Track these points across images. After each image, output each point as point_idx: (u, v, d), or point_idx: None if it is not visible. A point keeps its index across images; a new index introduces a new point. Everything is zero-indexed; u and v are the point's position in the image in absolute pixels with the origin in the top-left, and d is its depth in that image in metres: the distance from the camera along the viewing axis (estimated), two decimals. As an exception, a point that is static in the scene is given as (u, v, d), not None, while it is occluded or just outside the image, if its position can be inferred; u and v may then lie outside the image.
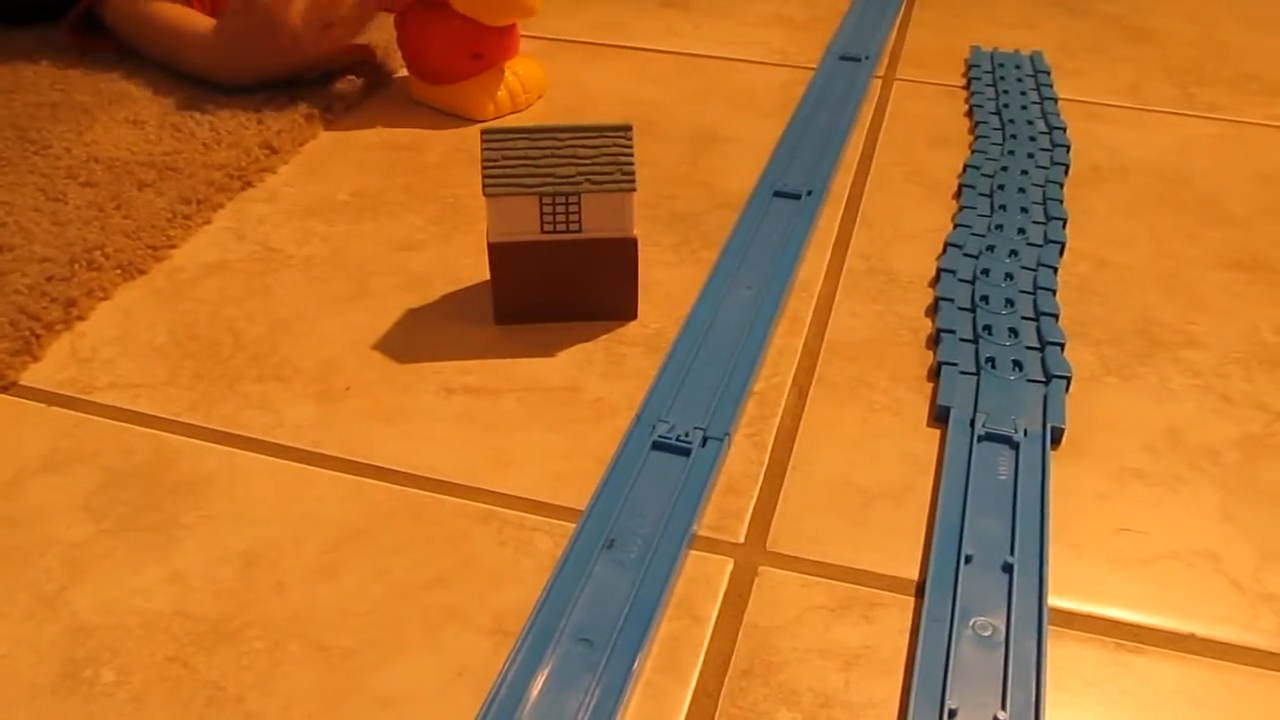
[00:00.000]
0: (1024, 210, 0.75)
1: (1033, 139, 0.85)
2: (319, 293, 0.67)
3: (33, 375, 0.60)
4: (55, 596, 0.47)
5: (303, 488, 0.53)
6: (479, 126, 0.61)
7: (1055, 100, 0.92)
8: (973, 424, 0.56)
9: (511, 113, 0.89)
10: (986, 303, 0.65)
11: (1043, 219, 0.74)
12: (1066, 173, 0.81)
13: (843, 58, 1.00)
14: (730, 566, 0.49)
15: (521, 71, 0.90)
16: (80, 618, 0.46)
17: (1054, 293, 0.66)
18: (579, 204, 0.59)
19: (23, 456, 0.55)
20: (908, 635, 0.46)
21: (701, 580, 0.49)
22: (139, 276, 0.68)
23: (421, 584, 0.48)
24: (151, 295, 0.67)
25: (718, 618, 0.47)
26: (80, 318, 0.64)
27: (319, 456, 0.55)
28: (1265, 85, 0.99)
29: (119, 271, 0.68)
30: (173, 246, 0.71)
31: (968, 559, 0.48)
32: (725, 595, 0.48)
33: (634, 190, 0.59)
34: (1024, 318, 0.64)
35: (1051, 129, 0.87)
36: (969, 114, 0.92)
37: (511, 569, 0.49)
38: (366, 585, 0.48)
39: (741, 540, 0.51)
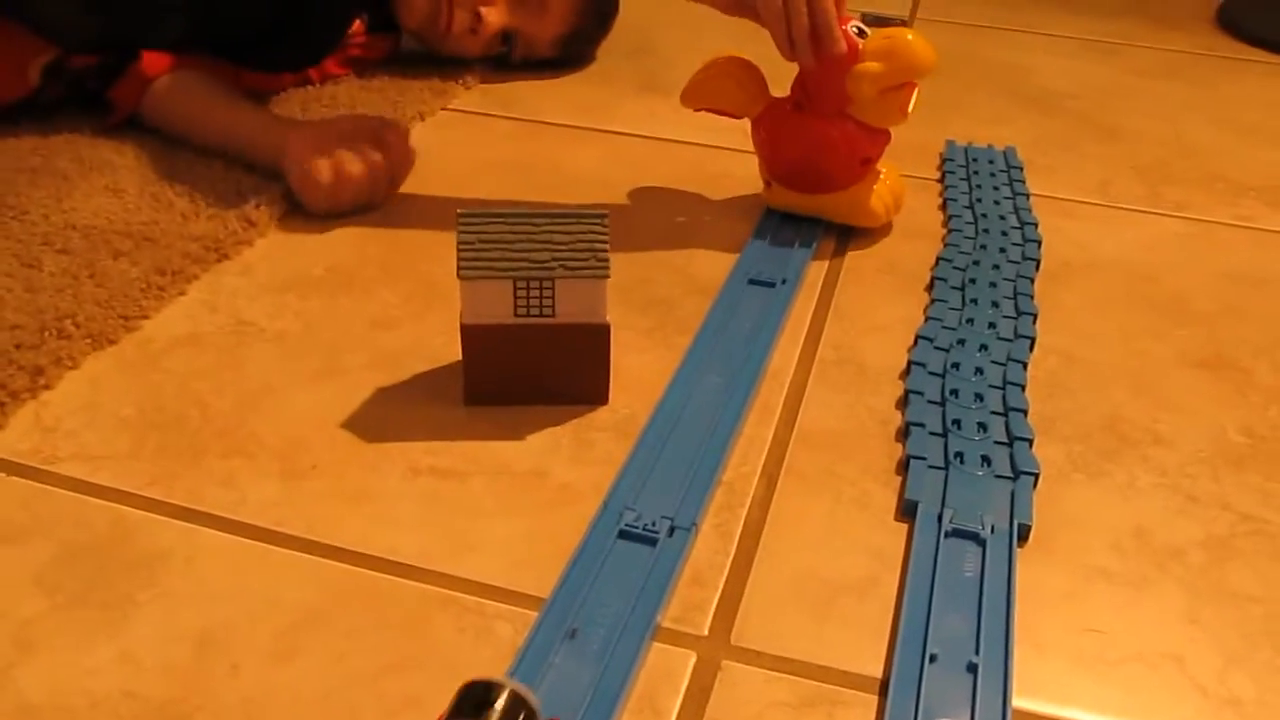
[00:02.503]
0: (995, 304, 0.76)
1: (1004, 233, 0.86)
2: (289, 368, 0.67)
3: (-6, 444, 0.59)
4: (2, 674, 0.46)
5: (262, 567, 0.52)
6: (457, 209, 0.61)
7: (1027, 196, 0.94)
8: (940, 519, 0.56)
9: (889, 220, 0.87)
10: (956, 396, 0.65)
11: (1013, 313, 0.75)
12: (1037, 268, 0.82)
13: (820, 147, 1.02)
14: (693, 660, 0.49)
15: (890, 175, 0.85)
16: (26, 697, 0.45)
17: (1023, 388, 0.67)
18: (553, 289, 0.60)
19: (-22, 528, 0.54)
20: (870, 735, 0.46)
21: (664, 673, 0.48)
22: (109, 346, 0.68)
23: (379, 670, 0.47)
24: (120, 365, 0.66)
25: (679, 713, 0.46)
26: (47, 386, 0.64)
27: (280, 535, 0.54)
28: (1231, 185, 1.01)
29: (89, 341, 0.67)
30: (145, 317, 0.71)
31: (932, 658, 0.48)
32: (687, 690, 0.47)
33: (607, 277, 0.60)
34: (993, 412, 0.64)
35: (1023, 224, 0.88)
36: (942, 207, 0.93)
37: (471, 656, 0.48)
38: (322, 670, 0.47)
39: (705, 633, 0.50)
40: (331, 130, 0.86)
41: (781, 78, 0.83)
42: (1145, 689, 0.49)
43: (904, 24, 0.82)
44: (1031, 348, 0.72)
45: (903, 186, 0.87)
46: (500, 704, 0.38)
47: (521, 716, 0.38)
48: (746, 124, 0.86)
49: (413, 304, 0.74)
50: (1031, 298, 0.77)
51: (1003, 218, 0.89)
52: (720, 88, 0.84)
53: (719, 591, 0.52)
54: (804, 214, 0.86)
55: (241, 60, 1.00)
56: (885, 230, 0.87)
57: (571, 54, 1.20)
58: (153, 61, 0.92)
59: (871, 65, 0.77)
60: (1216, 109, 1.21)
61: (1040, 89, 1.24)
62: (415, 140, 1.00)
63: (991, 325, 0.73)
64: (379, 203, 0.86)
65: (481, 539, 0.55)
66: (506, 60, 1.16)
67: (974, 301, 0.76)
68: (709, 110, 0.85)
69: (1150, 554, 0.57)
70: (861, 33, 0.78)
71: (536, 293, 0.60)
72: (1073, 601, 0.53)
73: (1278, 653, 0.51)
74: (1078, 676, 0.49)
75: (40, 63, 0.94)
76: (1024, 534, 0.56)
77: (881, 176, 0.85)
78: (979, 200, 0.92)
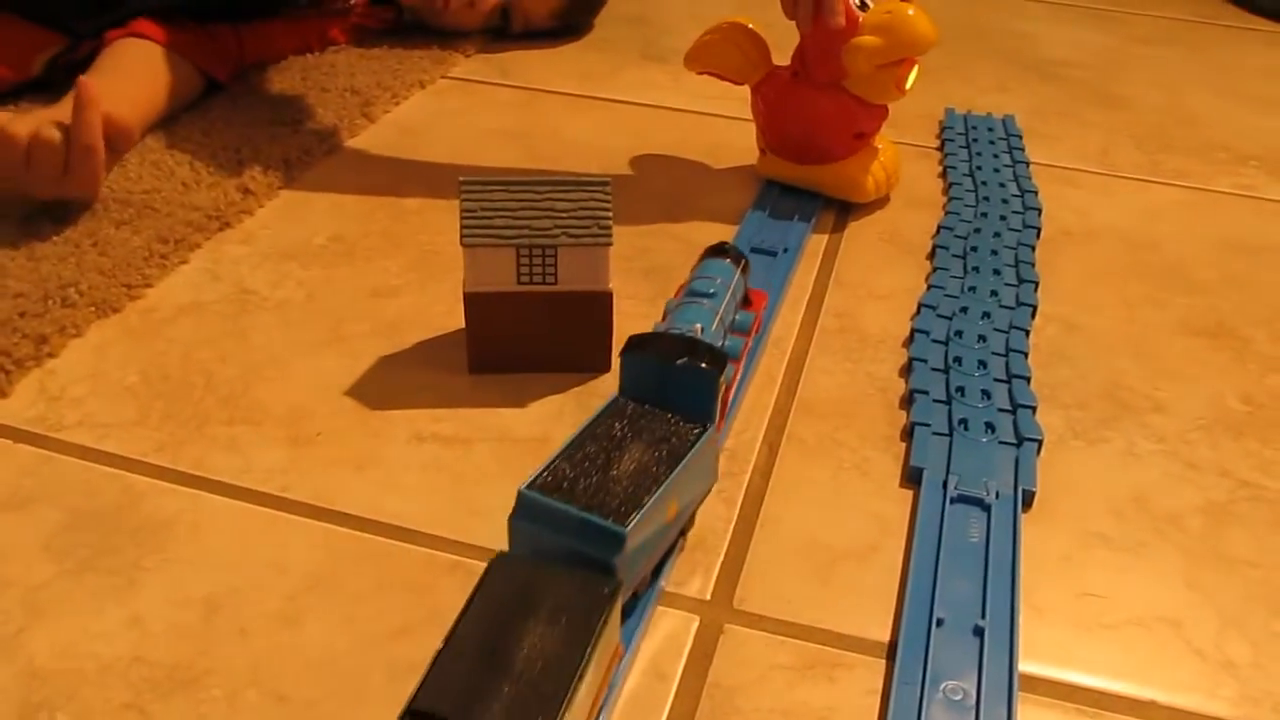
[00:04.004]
0: (996, 272, 0.76)
1: (1005, 201, 0.86)
2: (293, 337, 0.67)
3: (0, 411, 0.60)
4: (11, 639, 0.47)
5: (268, 533, 0.53)
6: (459, 176, 0.61)
7: (1027, 164, 0.94)
8: (945, 485, 0.56)
9: (885, 194, 0.86)
10: (960, 364, 0.65)
11: (1015, 281, 0.75)
12: (1038, 236, 0.83)
13: (820, 116, 1.01)
14: (696, 624, 0.49)
15: (886, 151, 0.85)
16: (36, 661, 0.46)
17: (1026, 355, 0.67)
18: (555, 256, 0.60)
19: (-15, 495, 0.54)
20: (871, 697, 0.46)
21: (667, 637, 0.48)
22: (113, 315, 0.68)
23: (386, 634, 0.48)
24: (124, 334, 0.66)
25: (682, 675, 0.47)
26: (51, 354, 0.64)
27: (286, 501, 0.55)
28: (1231, 154, 1.01)
29: (93, 309, 0.67)
30: (148, 285, 0.71)
31: (939, 622, 0.48)
32: (690, 653, 0.48)
33: (610, 245, 0.60)
34: (996, 380, 0.64)
35: (1023, 192, 0.88)
36: (943, 175, 0.93)
37: (477, 621, 0.49)
38: (330, 634, 0.48)
39: (708, 597, 0.51)
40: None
41: (787, 46, 0.83)
42: (1143, 652, 0.49)
43: None
44: (1033, 315, 0.72)
45: (898, 162, 0.87)
46: (730, 249, 0.64)
47: (743, 261, 0.64)
48: (747, 92, 0.86)
49: (414, 273, 0.74)
50: (1033, 265, 0.77)
51: (1003, 185, 0.89)
52: (722, 52, 0.84)
53: (721, 556, 0.53)
54: (795, 185, 0.86)
55: (233, 13, 0.99)
56: (886, 199, 0.87)
57: (569, 24, 1.20)
58: (149, 28, 0.91)
59: (868, 39, 0.76)
60: (1218, 78, 1.21)
61: (1041, 57, 1.24)
62: (415, 109, 1.00)
63: (993, 293, 0.73)
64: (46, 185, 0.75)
65: (486, 504, 0.55)
66: (505, 32, 1.16)
67: (975, 269, 0.76)
68: (710, 74, 0.85)
69: (1149, 519, 0.57)
70: (863, 5, 0.78)
71: (539, 260, 0.60)
72: (1072, 566, 0.54)
73: (1274, 617, 0.52)
74: (1077, 639, 0.50)
75: (44, 57, 0.95)
76: (1028, 500, 0.57)
77: (878, 152, 0.84)
78: (979, 168, 0.92)
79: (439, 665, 0.38)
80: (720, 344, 0.58)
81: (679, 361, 0.51)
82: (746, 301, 0.65)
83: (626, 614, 0.47)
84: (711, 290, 0.60)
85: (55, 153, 0.73)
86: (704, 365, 0.51)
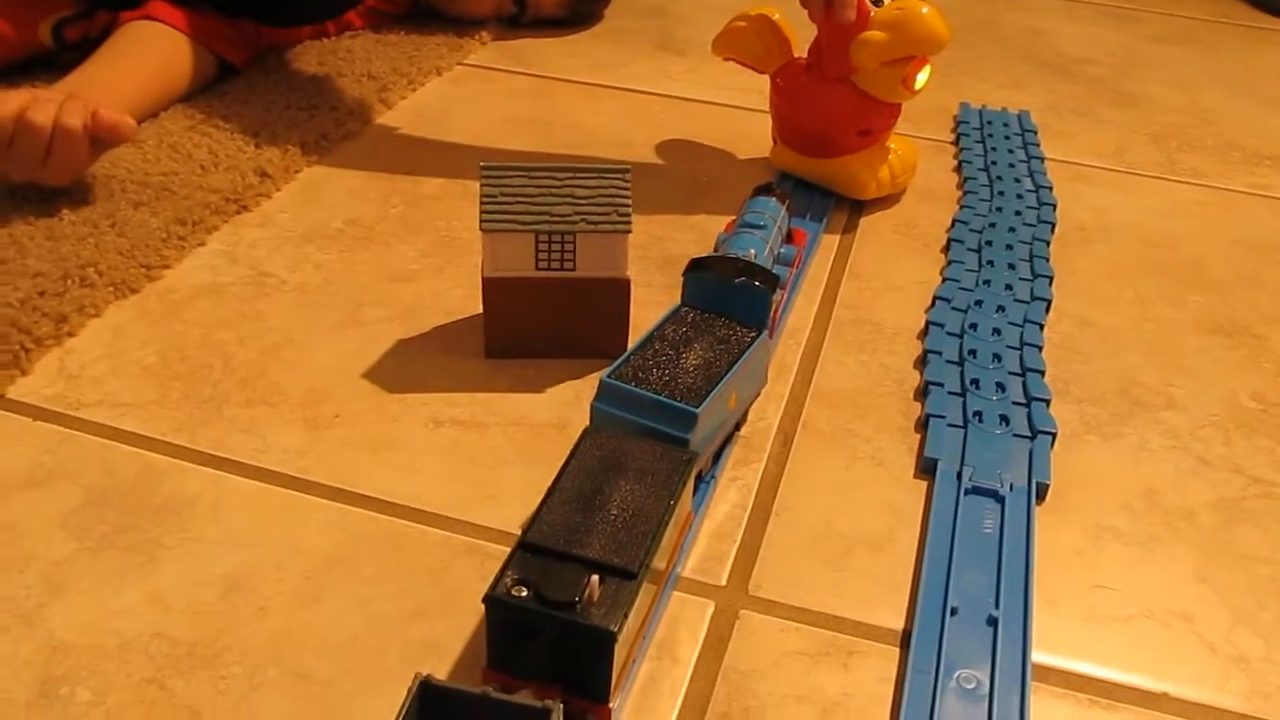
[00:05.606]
0: (1011, 266, 0.76)
1: (1020, 196, 0.86)
2: (310, 319, 0.67)
3: (20, 389, 0.60)
4: (33, 613, 0.47)
5: (287, 513, 0.53)
6: (479, 162, 0.61)
7: (1042, 159, 0.94)
8: (959, 476, 0.56)
9: (889, 193, 0.85)
10: (974, 357, 0.65)
11: (1029, 276, 0.75)
12: (1052, 231, 0.83)
13: (836, 109, 1.01)
14: (711, 609, 0.50)
15: (900, 150, 0.84)
16: (58, 636, 0.46)
17: (1040, 349, 0.67)
18: (574, 243, 0.60)
19: (6, 471, 0.54)
20: (885, 684, 0.47)
21: (683, 622, 0.49)
22: (131, 295, 0.68)
23: (403, 615, 0.48)
24: (143, 314, 0.67)
25: (698, 660, 0.47)
26: (70, 334, 0.64)
27: (304, 483, 0.55)
28: (1247, 154, 1.01)
29: (111, 289, 0.68)
30: (166, 267, 0.71)
31: (953, 611, 0.49)
32: (706, 638, 0.48)
33: (629, 232, 0.60)
34: (1011, 373, 0.64)
35: (1038, 188, 0.88)
36: (957, 169, 0.93)
37: (494, 603, 0.49)
38: (347, 614, 0.48)
39: (723, 583, 0.51)
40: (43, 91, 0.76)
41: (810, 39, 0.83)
42: (1155, 645, 0.50)
43: None
44: (1048, 310, 0.72)
45: (914, 160, 0.86)
46: (776, 188, 0.70)
47: (788, 200, 0.71)
48: (764, 84, 0.86)
49: (431, 258, 0.74)
50: (1047, 260, 0.77)
51: (1018, 180, 0.89)
52: (745, 40, 0.84)
53: (737, 543, 0.53)
54: (801, 177, 0.86)
55: (261, 15, 0.99)
56: (901, 192, 0.87)
57: (579, 13, 1.20)
58: (164, 11, 0.91)
59: (875, 35, 0.76)
60: (1234, 77, 1.21)
61: (1057, 54, 1.24)
62: (432, 95, 1.00)
63: (1008, 287, 0.73)
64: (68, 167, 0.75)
65: (503, 489, 0.55)
66: (519, 20, 1.17)
67: (990, 263, 0.76)
68: (733, 60, 0.86)
69: (1161, 514, 0.57)
70: (878, 0, 0.77)
71: (558, 246, 0.60)
72: (1084, 558, 0.54)
73: (1287, 612, 0.52)
74: (1089, 631, 0.50)
75: (51, 20, 0.94)
76: (1042, 493, 0.57)
77: (890, 151, 0.84)
78: (994, 163, 0.92)
79: (545, 511, 0.44)
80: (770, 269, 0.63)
81: (737, 280, 0.57)
82: (790, 237, 0.71)
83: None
84: (762, 223, 0.66)
85: (39, 138, 0.72)
86: (759, 284, 0.57)
